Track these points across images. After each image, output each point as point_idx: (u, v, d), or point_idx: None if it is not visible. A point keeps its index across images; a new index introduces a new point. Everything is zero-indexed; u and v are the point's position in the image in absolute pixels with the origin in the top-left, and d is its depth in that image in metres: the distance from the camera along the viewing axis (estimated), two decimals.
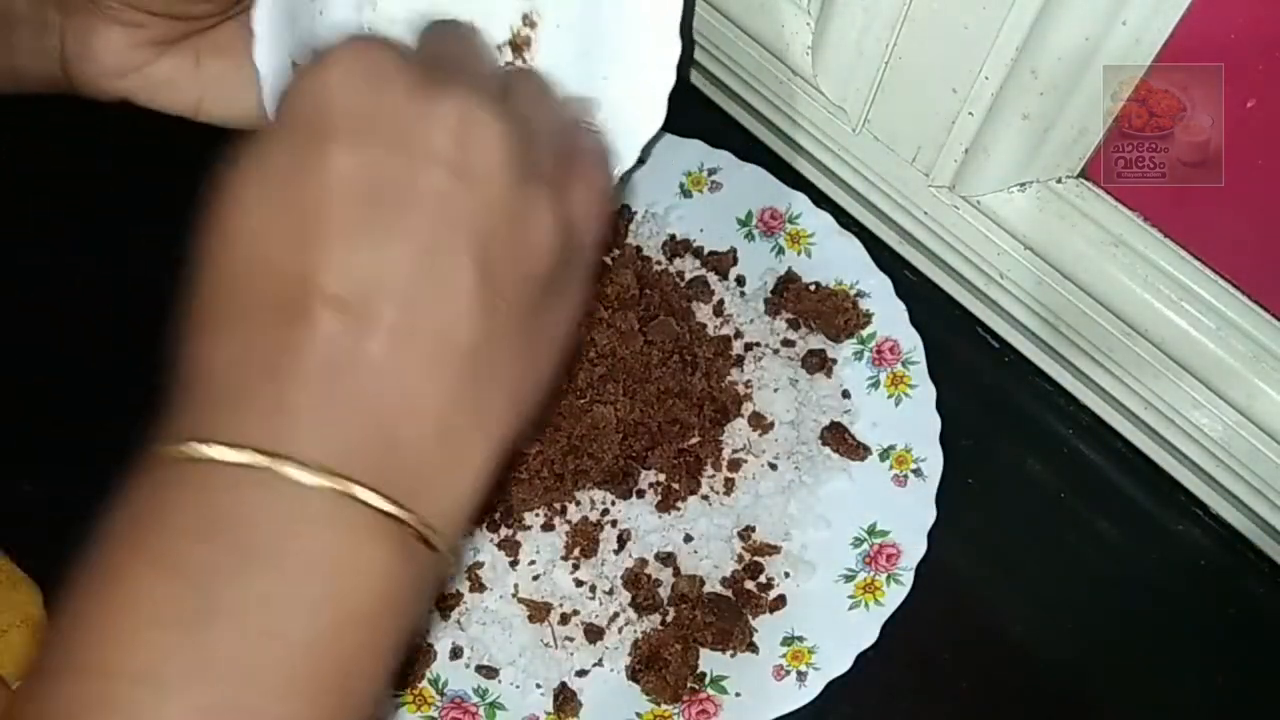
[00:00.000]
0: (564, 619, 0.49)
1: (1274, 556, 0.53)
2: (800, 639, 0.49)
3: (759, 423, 0.53)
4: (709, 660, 0.48)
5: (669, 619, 0.49)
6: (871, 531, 0.51)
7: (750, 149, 0.61)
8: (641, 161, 0.43)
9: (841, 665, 0.47)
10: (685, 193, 0.59)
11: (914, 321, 0.55)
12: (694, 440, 0.52)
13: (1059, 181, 0.51)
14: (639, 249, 0.57)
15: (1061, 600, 0.52)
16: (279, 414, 0.27)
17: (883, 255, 0.59)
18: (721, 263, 0.57)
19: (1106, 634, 0.51)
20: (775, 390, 0.54)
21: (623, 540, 0.50)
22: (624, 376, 0.51)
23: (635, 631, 0.49)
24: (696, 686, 0.48)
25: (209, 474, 0.26)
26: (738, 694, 0.48)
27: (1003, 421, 0.56)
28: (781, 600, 0.50)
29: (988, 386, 0.57)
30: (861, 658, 0.48)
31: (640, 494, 0.51)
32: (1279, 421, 0.48)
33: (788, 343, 0.56)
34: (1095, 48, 0.44)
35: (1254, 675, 0.51)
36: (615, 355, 0.52)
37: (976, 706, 0.49)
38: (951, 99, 0.49)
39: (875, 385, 0.55)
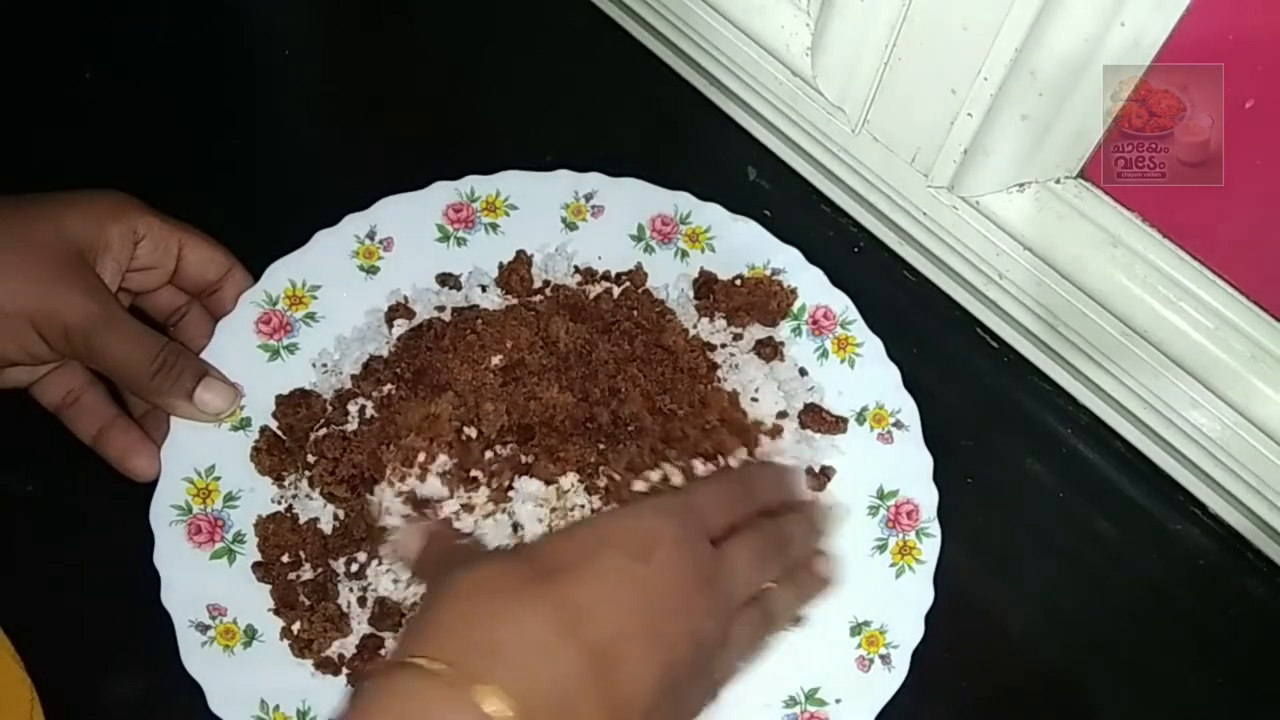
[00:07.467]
0: None
1: (1273, 556, 0.53)
2: (866, 623, 0.48)
3: (765, 429, 0.52)
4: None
5: None
6: (882, 495, 0.51)
7: (750, 150, 0.61)
8: None
9: (916, 633, 0.47)
10: (570, 225, 0.56)
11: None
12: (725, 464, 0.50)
13: (1058, 182, 0.51)
14: (560, 287, 0.54)
15: (1061, 600, 0.52)
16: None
17: (882, 255, 0.59)
18: (635, 280, 0.55)
19: (1106, 634, 0.51)
20: (757, 389, 0.53)
21: None
22: (630, 423, 0.49)
23: None
24: (796, 711, 0.47)
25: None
26: (838, 700, 0.47)
27: (1003, 421, 0.56)
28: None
29: (988, 386, 0.57)
30: None
31: None
32: (1277, 421, 0.48)
33: (736, 337, 0.55)
34: (1095, 48, 0.44)
35: (1254, 675, 0.51)
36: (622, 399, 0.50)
37: (976, 706, 0.49)
38: (951, 99, 0.49)
39: (824, 355, 0.54)
